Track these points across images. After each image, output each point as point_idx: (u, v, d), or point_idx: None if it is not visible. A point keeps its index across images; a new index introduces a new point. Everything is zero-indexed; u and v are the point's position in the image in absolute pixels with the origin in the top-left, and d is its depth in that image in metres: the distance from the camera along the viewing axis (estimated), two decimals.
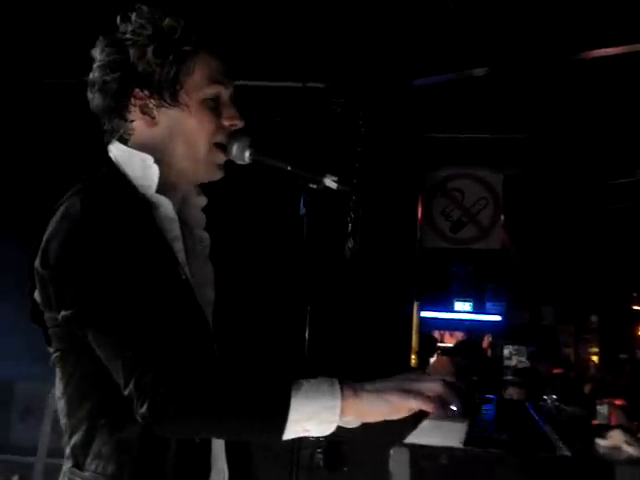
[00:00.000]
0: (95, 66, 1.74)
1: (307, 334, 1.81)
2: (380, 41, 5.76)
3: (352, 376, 1.69)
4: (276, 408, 1.47)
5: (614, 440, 2.67)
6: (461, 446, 1.33)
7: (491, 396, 2.14)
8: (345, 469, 4.64)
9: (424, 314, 9.87)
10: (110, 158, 1.75)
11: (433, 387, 1.49)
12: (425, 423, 1.60)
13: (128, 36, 1.71)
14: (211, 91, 1.75)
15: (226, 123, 1.78)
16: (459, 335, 12.11)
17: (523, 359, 12.99)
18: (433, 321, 11.93)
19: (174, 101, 1.72)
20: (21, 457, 5.83)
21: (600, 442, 2.66)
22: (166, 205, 1.70)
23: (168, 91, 1.71)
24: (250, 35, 5.33)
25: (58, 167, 4.90)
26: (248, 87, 5.38)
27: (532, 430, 1.56)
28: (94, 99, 1.75)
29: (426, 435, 1.47)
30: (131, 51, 1.70)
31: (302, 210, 1.75)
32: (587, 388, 11.00)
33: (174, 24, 1.71)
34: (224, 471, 1.78)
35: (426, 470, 1.31)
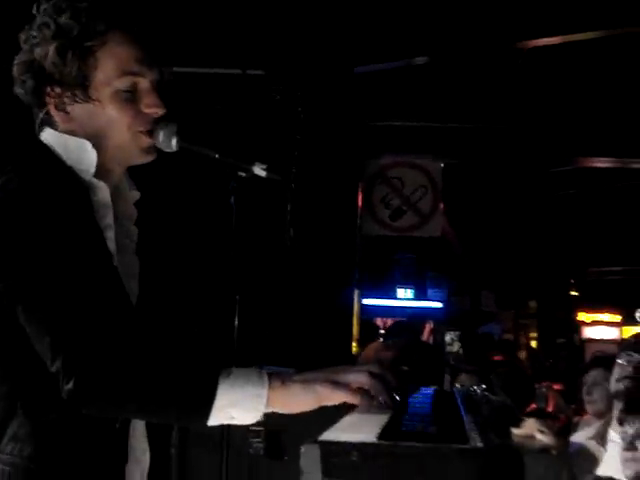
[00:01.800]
0: (15, 62, 1.73)
1: (236, 323, 1.79)
2: (321, 28, 5.75)
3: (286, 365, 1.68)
4: (202, 392, 1.48)
5: (528, 429, 2.72)
6: (374, 441, 1.32)
7: (426, 388, 2.13)
8: (285, 458, 4.63)
9: (366, 301, 9.92)
10: (42, 143, 1.73)
11: (359, 379, 1.51)
12: (348, 417, 1.59)
13: (35, 34, 1.69)
14: (122, 83, 1.72)
15: (145, 111, 1.74)
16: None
17: None
18: (375, 308, 11.97)
19: (85, 96, 1.70)
20: None
21: (515, 431, 2.71)
22: (103, 190, 1.69)
23: (77, 88, 1.69)
24: (189, 22, 5.27)
25: None
26: (187, 74, 5.32)
27: (452, 421, 1.55)
28: (19, 94, 1.75)
29: (344, 430, 1.46)
30: (36, 50, 1.69)
31: (231, 198, 1.72)
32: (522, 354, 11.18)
33: (70, 21, 1.67)
34: (143, 461, 1.80)
35: (337, 467, 1.30)
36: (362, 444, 1.29)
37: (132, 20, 1.73)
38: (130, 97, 1.73)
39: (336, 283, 6.02)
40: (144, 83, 1.74)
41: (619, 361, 3.45)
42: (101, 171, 1.70)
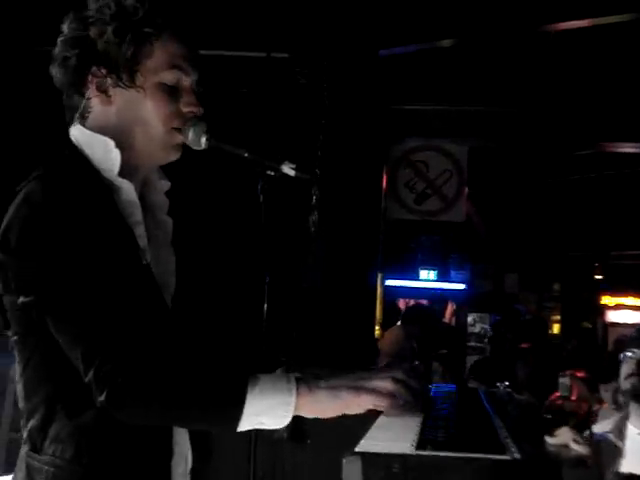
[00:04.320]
0: (58, 41, 1.73)
1: (265, 308, 1.81)
2: (346, 11, 5.72)
3: (314, 352, 1.69)
4: (232, 402, 1.49)
5: (562, 438, 2.72)
6: (413, 451, 1.34)
7: (450, 386, 2.15)
8: (309, 442, 4.67)
9: (389, 282, 9.92)
10: (71, 141, 1.74)
11: (384, 385, 1.53)
12: (380, 420, 1.62)
13: (92, 13, 1.70)
14: (169, 76, 1.74)
15: (184, 109, 1.76)
16: (424, 303, 12.13)
17: (486, 326, 13.11)
18: (398, 289, 11.94)
19: (130, 82, 1.71)
20: None
21: (549, 440, 2.71)
22: (128, 189, 1.69)
23: (125, 71, 1.71)
24: (215, 4, 5.27)
25: (21, 150, 4.83)
26: (211, 56, 5.32)
27: (484, 427, 1.57)
28: (56, 74, 1.75)
29: (379, 437, 1.49)
30: (92, 28, 1.70)
31: (260, 197, 1.74)
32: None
33: (137, 5, 1.70)
34: (186, 455, 1.80)
35: (379, 478, 1.33)
36: (403, 456, 1.31)
37: (182, 21, 1.77)
38: (171, 92, 1.75)
39: (360, 266, 6.03)
40: (186, 81, 1.76)
41: (627, 354, 3.44)
42: (128, 168, 1.71)
